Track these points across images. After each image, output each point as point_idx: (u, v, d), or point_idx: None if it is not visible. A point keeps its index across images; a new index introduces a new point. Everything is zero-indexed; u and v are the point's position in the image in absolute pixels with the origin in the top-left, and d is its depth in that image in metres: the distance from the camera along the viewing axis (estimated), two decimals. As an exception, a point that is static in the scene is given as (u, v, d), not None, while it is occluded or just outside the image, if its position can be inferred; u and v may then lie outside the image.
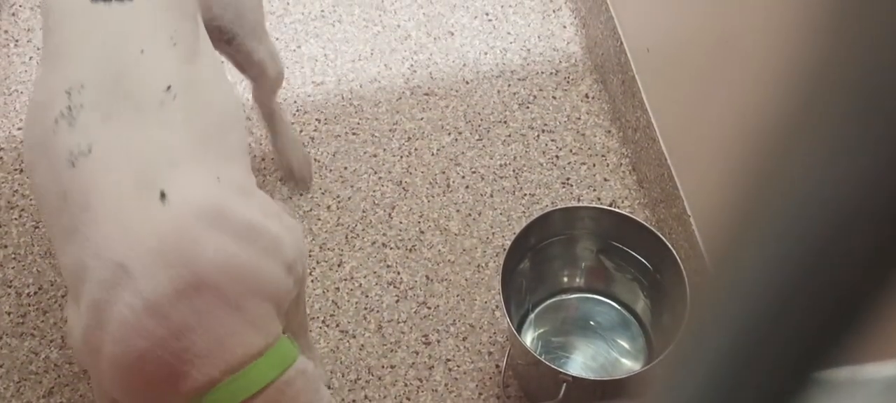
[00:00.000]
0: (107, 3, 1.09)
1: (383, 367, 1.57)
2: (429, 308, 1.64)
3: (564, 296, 1.60)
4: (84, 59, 1.07)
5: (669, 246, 1.43)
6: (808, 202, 0.19)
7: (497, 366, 1.57)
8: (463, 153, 1.85)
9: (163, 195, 0.99)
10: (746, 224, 0.21)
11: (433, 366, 1.57)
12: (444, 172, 1.82)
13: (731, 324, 0.22)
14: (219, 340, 0.98)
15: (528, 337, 1.56)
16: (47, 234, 1.06)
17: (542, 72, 1.99)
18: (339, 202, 1.78)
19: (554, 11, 2.12)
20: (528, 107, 1.93)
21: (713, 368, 0.22)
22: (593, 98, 1.94)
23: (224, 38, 1.31)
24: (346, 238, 1.73)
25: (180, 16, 1.15)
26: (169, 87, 1.06)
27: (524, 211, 1.76)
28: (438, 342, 1.60)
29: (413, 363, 1.58)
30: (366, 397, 1.54)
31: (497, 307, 1.63)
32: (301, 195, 1.78)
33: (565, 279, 1.60)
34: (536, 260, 1.54)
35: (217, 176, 1.06)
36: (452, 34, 2.07)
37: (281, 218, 1.14)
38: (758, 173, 0.21)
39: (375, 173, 1.82)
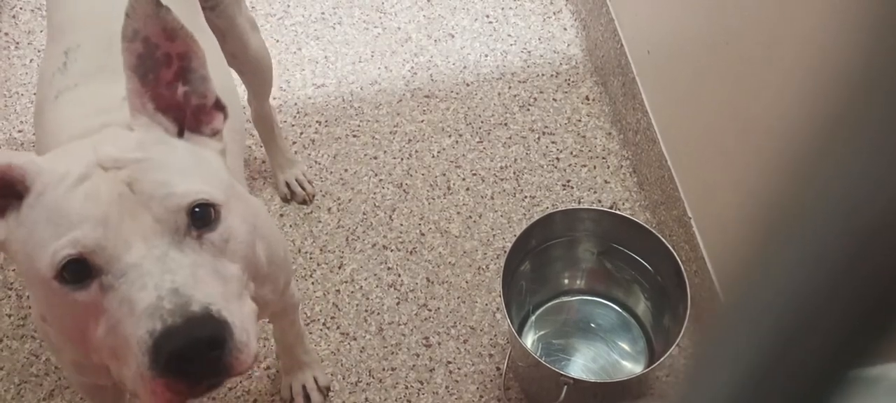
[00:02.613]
0: None
1: (384, 369, 1.57)
2: (429, 310, 1.64)
3: (565, 298, 1.60)
4: (85, 27, 1.09)
5: (670, 248, 1.43)
6: (844, 200, 0.19)
7: (498, 368, 1.57)
8: (463, 155, 1.85)
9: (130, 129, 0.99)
10: (779, 223, 0.21)
11: (434, 369, 1.57)
12: (444, 174, 1.82)
13: (760, 325, 0.22)
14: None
15: (529, 340, 1.56)
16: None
17: (543, 75, 1.99)
18: (339, 204, 1.78)
19: (554, 14, 2.12)
20: (528, 110, 1.93)
21: (741, 369, 0.22)
22: (594, 100, 1.94)
23: (207, 5, 1.31)
24: (347, 240, 1.73)
25: None
26: None
27: (525, 214, 1.76)
28: (439, 344, 1.60)
29: (414, 365, 1.57)
30: (366, 399, 1.54)
31: (498, 309, 1.63)
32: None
33: (566, 281, 1.60)
34: (537, 263, 1.54)
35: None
36: (453, 36, 2.07)
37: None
38: (793, 172, 0.21)
39: (376, 175, 1.82)
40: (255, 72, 1.54)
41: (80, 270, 0.76)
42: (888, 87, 0.18)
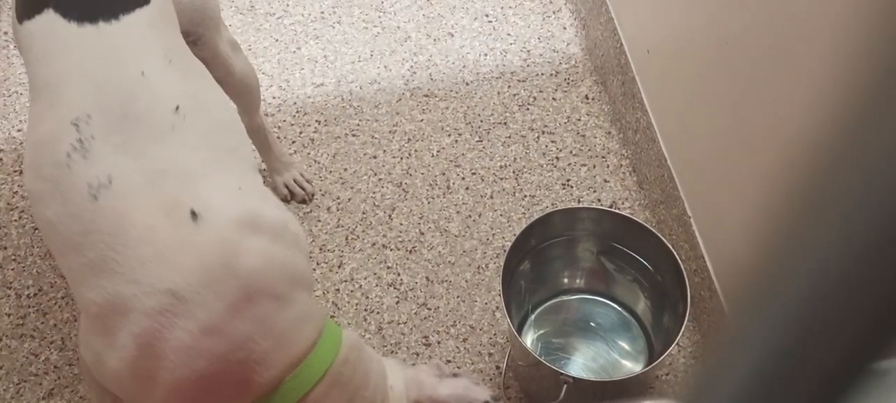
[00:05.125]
0: (94, 24, 1.07)
1: (384, 369, 1.57)
2: (429, 309, 1.64)
3: (565, 297, 1.60)
4: (85, 88, 1.04)
5: (670, 247, 1.43)
6: (868, 194, 0.19)
7: (497, 367, 1.57)
8: (463, 154, 1.85)
9: (194, 214, 0.99)
10: (802, 216, 0.21)
11: (433, 368, 1.57)
12: (444, 174, 1.82)
13: (774, 324, 0.22)
14: (278, 339, 1.00)
15: (529, 339, 1.56)
16: (60, 271, 1.04)
17: (543, 74, 1.99)
18: (339, 203, 1.78)
19: (554, 13, 2.12)
20: (528, 109, 1.93)
21: (759, 365, 0.22)
22: (593, 99, 1.94)
23: (190, 40, 1.30)
24: (347, 239, 1.73)
25: (167, 30, 1.15)
26: (177, 108, 1.06)
27: (524, 213, 1.76)
28: (439, 343, 1.60)
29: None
30: (366, 398, 1.54)
31: (497, 308, 1.63)
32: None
33: (566, 280, 1.60)
34: (537, 262, 1.54)
35: (238, 186, 1.07)
36: (452, 36, 2.07)
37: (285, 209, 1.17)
38: (813, 168, 0.21)
39: (375, 175, 1.82)
40: (243, 93, 1.54)
41: None
42: None
